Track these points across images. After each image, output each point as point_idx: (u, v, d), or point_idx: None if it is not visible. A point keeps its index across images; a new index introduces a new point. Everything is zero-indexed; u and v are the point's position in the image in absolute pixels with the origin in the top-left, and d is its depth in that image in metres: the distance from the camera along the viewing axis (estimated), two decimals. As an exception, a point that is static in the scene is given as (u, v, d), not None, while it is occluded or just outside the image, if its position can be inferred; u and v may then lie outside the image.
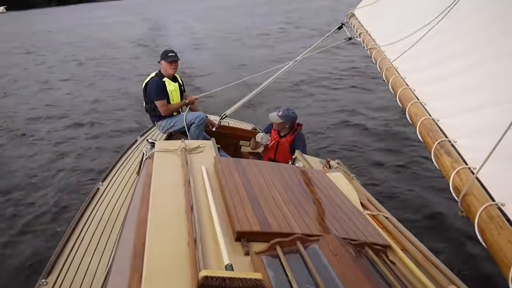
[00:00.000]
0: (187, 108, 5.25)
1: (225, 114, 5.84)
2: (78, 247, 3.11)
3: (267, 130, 4.95)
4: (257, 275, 1.53)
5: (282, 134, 4.77)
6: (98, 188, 4.07)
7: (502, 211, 1.45)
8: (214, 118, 5.79)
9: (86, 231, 3.31)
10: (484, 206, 1.45)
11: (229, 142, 5.72)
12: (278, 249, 1.79)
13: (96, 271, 2.81)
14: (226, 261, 1.63)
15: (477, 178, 1.63)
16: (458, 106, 2.18)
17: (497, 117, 1.74)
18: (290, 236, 1.87)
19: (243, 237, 1.89)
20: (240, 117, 7.06)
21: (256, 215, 2.05)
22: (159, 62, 5.10)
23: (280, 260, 1.72)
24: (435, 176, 6.13)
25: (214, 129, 5.56)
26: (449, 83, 2.42)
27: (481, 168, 1.61)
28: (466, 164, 1.75)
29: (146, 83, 5.09)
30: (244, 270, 1.66)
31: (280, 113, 4.64)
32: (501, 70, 2.08)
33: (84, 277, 2.78)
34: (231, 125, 6.22)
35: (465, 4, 2.77)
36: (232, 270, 1.58)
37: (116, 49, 24.09)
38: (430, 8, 3.20)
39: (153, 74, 5.11)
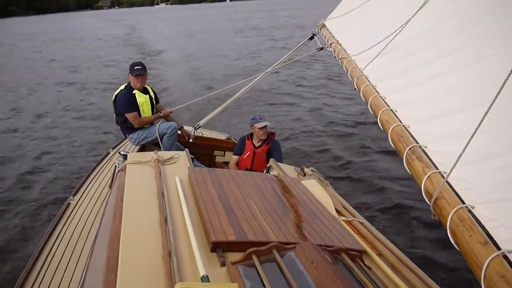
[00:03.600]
0: (160, 121, 5.19)
1: (198, 124, 5.81)
2: (49, 264, 3.00)
3: (240, 144, 4.95)
4: (234, 286, 1.51)
5: (257, 144, 4.78)
6: (69, 203, 3.96)
7: (472, 214, 1.48)
8: (187, 129, 5.75)
9: (57, 248, 3.21)
10: (455, 209, 1.48)
11: (203, 152, 5.68)
12: (254, 258, 1.77)
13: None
14: (202, 272, 1.60)
15: (447, 182, 1.67)
16: (427, 112, 2.24)
17: (464, 123, 1.80)
18: (266, 244, 1.86)
19: (218, 248, 1.87)
20: (213, 127, 7.03)
21: (232, 225, 2.03)
22: (128, 74, 5.00)
23: (256, 269, 1.70)
24: (408, 181, 6.24)
25: (190, 140, 5.52)
26: (418, 90, 2.49)
27: (451, 172, 1.65)
28: (437, 168, 1.78)
29: (116, 96, 5.00)
30: (220, 281, 1.64)
31: (263, 118, 4.72)
32: (466, 77, 2.16)
33: None
34: (204, 135, 6.19)
35: (431, 14, 2.86)
36: (208, 281, 1.55)
37: (88, 60, 23.86)
38: (397, 17, 3.29)
39: (122, 87, 5.00)
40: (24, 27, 59.46)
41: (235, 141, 5.88)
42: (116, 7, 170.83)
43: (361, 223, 2.63)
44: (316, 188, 2.99)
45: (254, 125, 4.70)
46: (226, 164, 5.75)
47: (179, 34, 34.65)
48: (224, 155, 5.90)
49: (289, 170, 3.66)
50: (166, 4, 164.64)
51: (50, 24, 61.69)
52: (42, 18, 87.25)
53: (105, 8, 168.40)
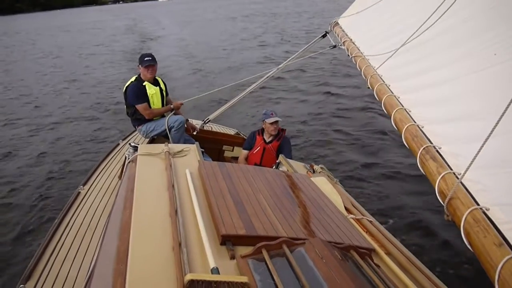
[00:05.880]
0: (171, 113, 5.21)
1: (208, 119, 5.82)
2: (58, 252, 3.03)
3: (251, 139, 4.95)
4: (244, 279, 1.51)
5: (268, 140, 4.77)
6: (79, 192, 3.99)
7: (486, 215, 1.47)
8: (197, 123, 5.76)
9: (67, 236, 3.23)
10: (469, 210, 1.47)
11: (212, 146, 5.69)
12: (264, 252, 1.77)
13: (76, 277, 2.74)
14: (212, 264, 1.60)
15: (462, 183, 1.65)
16: (442, 114, 2.22)
17: (480, 125, 1.78)
18: (276, 239, 1.86)
19: (228, 241, 1.87)
20: (223, 122, 7.04)
21: (241, 218, 2.04)
22: (138, 66, 5.04)
23: (266, 263, 1.71)
24: (419, 181, 6.17)
25: (195, 132, 5.54)
26: (432, 91, 2.46)
27: (466, 174, 1.64)
28: (451, 169, 1.77)
29: (126, 87, 5.02)
30: (230, 274, 1.64)
31: (274, 114, 4.72)
32: (482, 80, 2.13)
33: (64, 283, 2.70)
34: (214, 129, 6.20)
35: (448, 15, 2.83)
36: (218, 273, 1.55)
37: (96, 54, 24.06)
38: (413, 17, 3.26)
39: (133, 78, 5.04)
40: (36, 23, 60.55)
41: (244, 136, 5.88)
42: (121, 1, 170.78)
43: (370, 221, 2.62)
44: (325, 185, 2.98)
45: (265, 120, 4.69)
46: (234, 159, 5.76)
47: (187, 26, 36.48)
48: (232, 150, 5.90)
49: (299, 167, 3.65)
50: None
51: (60, 19, 63.10)
52: (50, 14, 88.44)
53: (109, 3, 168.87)
